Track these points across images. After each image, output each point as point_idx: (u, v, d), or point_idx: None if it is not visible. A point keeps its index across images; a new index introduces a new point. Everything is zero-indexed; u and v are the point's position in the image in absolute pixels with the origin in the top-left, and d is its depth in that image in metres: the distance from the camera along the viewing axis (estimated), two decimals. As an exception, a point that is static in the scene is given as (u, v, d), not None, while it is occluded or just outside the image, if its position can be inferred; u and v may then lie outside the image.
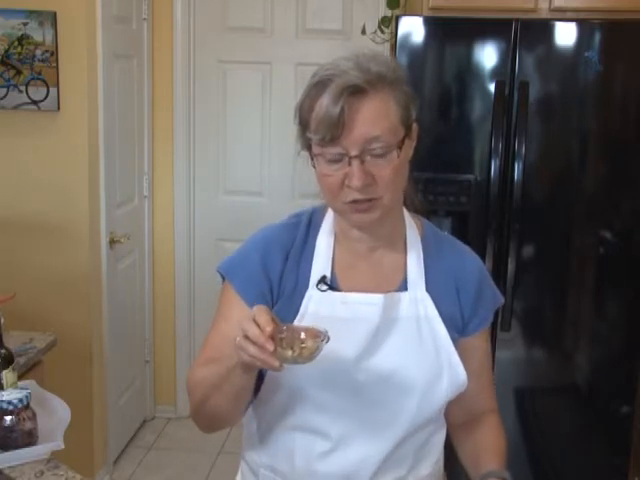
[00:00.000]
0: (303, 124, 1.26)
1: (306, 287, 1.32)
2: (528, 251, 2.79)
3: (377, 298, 1.32)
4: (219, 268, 1.38)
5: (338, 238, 1.36)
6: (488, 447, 1.42)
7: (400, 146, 1.23)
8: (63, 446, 1.70)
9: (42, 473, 1.64)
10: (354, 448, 1.32)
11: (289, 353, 1.14)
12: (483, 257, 2.67)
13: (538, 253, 2.81)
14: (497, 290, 1.46)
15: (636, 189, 2.72)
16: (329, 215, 1.37)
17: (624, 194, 2.74)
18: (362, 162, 1.21)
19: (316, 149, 1.24)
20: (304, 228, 1.37)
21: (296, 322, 1.29)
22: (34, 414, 1.71)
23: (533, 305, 2.86)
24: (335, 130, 1.19)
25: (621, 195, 2.74)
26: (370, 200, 1.24)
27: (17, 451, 1.67)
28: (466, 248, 1.46)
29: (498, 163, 2.67)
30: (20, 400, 1.67)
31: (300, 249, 1.35)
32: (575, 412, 2.91)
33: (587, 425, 2.90)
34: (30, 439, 1.69)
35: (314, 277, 1.33)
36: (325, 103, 1.20)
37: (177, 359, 3.89)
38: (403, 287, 1.35)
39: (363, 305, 1.31)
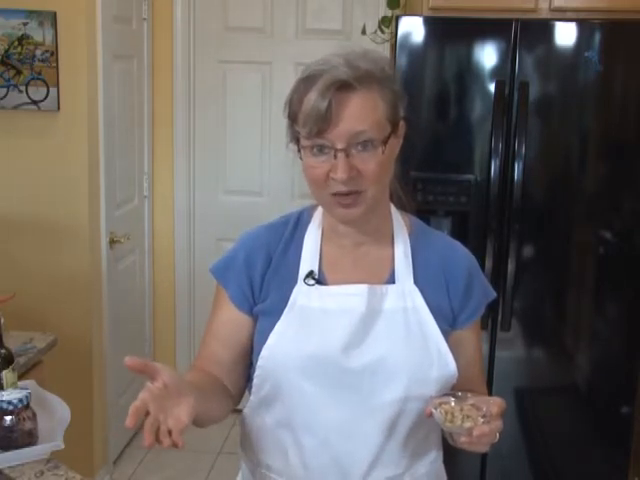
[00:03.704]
0: (292, 117, 1.31)
1: (294, 282, 1.35)
2: (528, 251, 2.79)
3: (362, 288, 1.34)
4: (210, 268, 1.46)
5: (325, 233, 1.39)
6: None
7: (385, 142, 1.27)
8: (63, 446, 1.70)
9: (42, 473, 1.64)
10: (345, 441, 1.33)
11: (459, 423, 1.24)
12: (483, 257, 2.67)
13: (538, 253, 2.81)
14: (488, 284, 1.47)
15: (636, 189, 2.72)
16: (318, 212, 1.41)
17: (624, 194, 2.74)
18: (347, 155, 1.24)
19: (303, 142, 1.28)
20: (291, 227, 1.41)
21: (284, 314, 1.33)
22: (34, 414, 1.71)
23: (533, 305, 2.85)
24: (322, 123, 1.23)
25: (621, 195, 2.74)
26: (354, 193, 1.27)
27: (17, 451, 1.67)
28: (456, 243, 1.46)
29: (498, 163, 2.67)
30: (20, 400, 1.67)
31: (285, 248, 1.39)
32: (575, 412, 2.91)
33: (587, 425, 2.90)
34: (30, 439, 1.69)
35: (302, 272, 1.36)
36: (313, 97, 1.23)
37: (177, 359, 3.89)
38: (390, 280, 1.37)
39: (348, 296, 1.34)
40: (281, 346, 1.32)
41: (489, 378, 2.82)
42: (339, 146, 1.24)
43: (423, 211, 2.62)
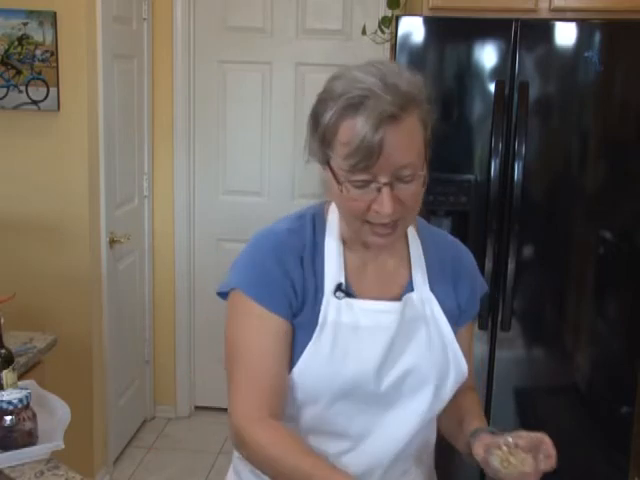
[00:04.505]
0: (325, 142, 1.22)
1: (322, 294, 1.30)
2: (528, 251, 2.79)
3: (395, 306, 1.32)
4: (237, 286, 1.31)
5: (347, 243, 1.34)
6: (471, 411, 1.43)
7: (423, 167, 1.24)
8: (63, 446, 1.70)
9: (42, 473, 1.64)
10: (368, 448, 1.33)
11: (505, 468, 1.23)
12: (483, 257, 2.67)
13: (538, 253, 2.81)
14: (483, 279, 1.49)
15: (636, 189, 2.72)
16: (332, 218, 1.35)
17: (624, 194, 2.74)
18: (392, 188, 1.20)
19: (343, 174, 1.21)
20: (310, 232, 1.34)
21: (317, 331, 1.28)
22: (34, 414, 1.71)
23: (533, 305, 2.85)
24: (370, 159, 1.17)
25: (621, 195, 2.74)
26: (394, 223, 1.24)
27: (17, 451, 1.67)
28: (456, 240, 1.48)
29: (498, 163, 2.66)
30: (20, 400, 1.67)
31: (312, 254, 1.32)
32: (575, 412, 2.90)
33: (587, 425, 2.90)
34: (30, 439, 1.69)
35: (328, 284, 1.30)
36: (362, 131, 1.16)
37: (177, 359, 3.89)
38: (409, 287, 1.36)
39: (381, 313, 1.31)
40: (314, 367, 1.28)
41: (489, 378, 2.82)
42: (384, 180, 1.19)
43: (423, 211, 2.61)
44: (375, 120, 1.15)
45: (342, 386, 1.28)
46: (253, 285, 1.30)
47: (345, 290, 1.31)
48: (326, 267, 1.31)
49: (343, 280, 1.31)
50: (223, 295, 1.35)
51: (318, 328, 1.28)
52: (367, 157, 1.17)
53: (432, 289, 1.37)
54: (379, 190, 1.20)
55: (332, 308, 1.29)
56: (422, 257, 1.38)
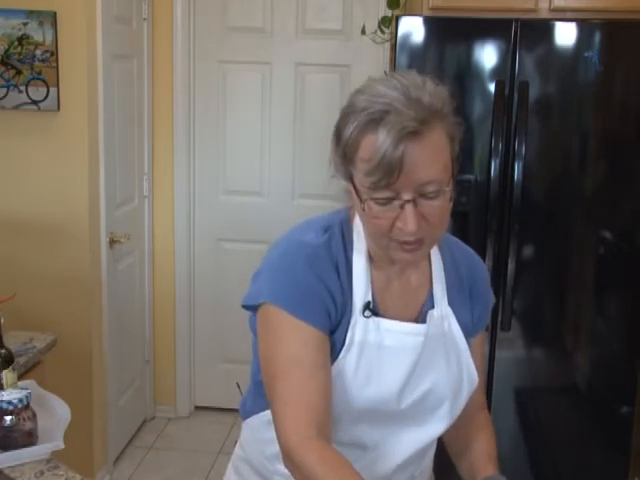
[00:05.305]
0: (347, 157, 1.20)
1: (350, 312, 1.27)
2: (528, 251, 2.79)
3: (421, 328, 1.31)
4: (271, 300, 1.26)
5: (374, 261, 1.31)
6: (483, 451, 1.43)
7: (450, 182, 1.19)
8: (63, 446, 1.70)
9: (42, 473, 1.64)
10: (381, 457, 1.34)
11: None
12: (483, 257, 2.67)
13: (538, 253, 2.81)
14: (491, 289, 1.48)
15: (636, 189, 2.72)
16: (358, 232, 1.31)
17: (624, 194, 2.74)
18: (415, 205, 1.17)
19: (365, 191, 1.18)
20: (340, 245, 1.30)
21: (344, 351, 1.26)
22: (34, 414, 1.71)
23: (533, 305, 2.85)
24: (391, 176, 1.14)
25: (621, 195, 2.74)
26: (420, 240, 1.21)
27: (17, 451, 1.67)
28: (471, 250, 1.46)
29: (498, 163, 2.66)
30: (20, 400, 1.67)
31: (345, 268, 1.28)
32: (575, 412, 2.90)
33: (587, 425, 2.90)
34: (30, 439, 1.69)
35: (357, 302, 1.28)
36: (382, 147, 1.13)
37: (177, 359, 3.89)
38: (430, 302, 1.35)
39: (408, 335, 1.30)
40: (337, 387, 1.26)
41: (489, 378, 2.82)
42: (407, 197, 1.16)
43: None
44: (396, 136, 1.12)
45: (364, 406, 1.28)
46: (290, 299, 1.25)
47: (372, 309, 1.28)
48: (354, 284, 1.28)
49: (371, 299, 1.29)
50: (249, 307, 1.32)
51: (345, 348, 1.27)
52: (388, 174, 1.14)
53: (450, 303, 1.35)
54: (402, 207, 1.17)
55: (359, 327, 1.27)
56: (442, 270, 1.36)
